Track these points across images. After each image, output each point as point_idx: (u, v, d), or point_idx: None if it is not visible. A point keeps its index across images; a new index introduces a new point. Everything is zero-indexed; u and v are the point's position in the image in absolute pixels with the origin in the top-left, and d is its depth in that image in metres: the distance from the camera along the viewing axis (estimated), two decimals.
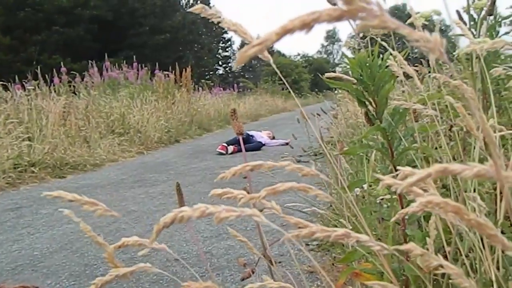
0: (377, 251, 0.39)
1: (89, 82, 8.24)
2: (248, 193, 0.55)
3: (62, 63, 8.24)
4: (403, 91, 1.91)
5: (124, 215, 2.80)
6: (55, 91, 6.71)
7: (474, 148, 0.93)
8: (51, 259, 2.11)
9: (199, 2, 37.34)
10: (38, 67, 6.81)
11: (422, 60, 2.31)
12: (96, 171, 4.79)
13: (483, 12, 1.27)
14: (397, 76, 0.87)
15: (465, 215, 0.30)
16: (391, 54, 0.92)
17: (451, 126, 1.11)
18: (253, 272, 1.26)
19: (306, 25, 0.26)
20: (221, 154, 5.53)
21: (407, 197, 0.95)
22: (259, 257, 0.93)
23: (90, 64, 8.60)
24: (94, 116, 6.26)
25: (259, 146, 5.94)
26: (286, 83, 0.81)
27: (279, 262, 1.87)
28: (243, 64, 0.32)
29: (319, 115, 4.23)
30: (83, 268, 1.97)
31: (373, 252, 0.91)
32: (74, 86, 7.79)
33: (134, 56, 9.60)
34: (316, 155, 4.59)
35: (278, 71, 0.58)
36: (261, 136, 6.25)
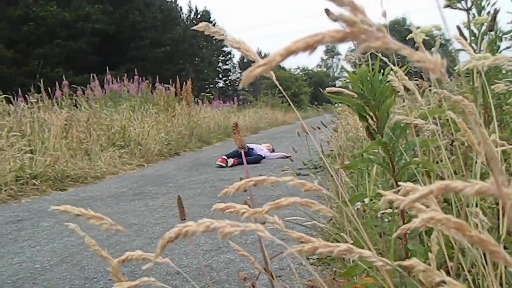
0: (380, 266, 0.39)
1: (91, 95, 8.27)
2: (249, 207, 0.56)
3: (64, 76, 8.29)
4: (404, 106, 1.92)
5: (124, 228, 2.79)
6: (57, 104, 6.74)
7: (476, 163, 0.94)
8: (51, 272, 2.10)
9: (199, 16, 37.55)
10: (41, 80, 6.85)
11: (422, 74, 2.32)
12: (96, 184, 4.79)
13: (484, 28, 1.28)
14: (398, 91, 0.88)
15: (467, 231, 0.31)
16: (391, 69, 0.93)
17: (452, 141, 1.12)
18: (253, 286, 1.26)
19: (310, 47, 0.27)
20: (221, 167, 5.53)
21: (409, 212, 0.95)
22: (260, 271, 0.93)
23: (91, 77, 8.64)
24: (95, 128, 6.28)
25: (259, 159, 5.94)
26: (286, 96, 0.81)
27: (279, 276, 1.86)
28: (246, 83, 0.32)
29: (319, 128, 4.25)
30: (83, 282, 1.96)
31: (375, 267, 0.91)
32: (76, 99, 7.82)
33: (135, 69, 9.66)
34: (316, 168, 4.59)
35: (280, 87, 0.59)
36: (261, 149, 6.25)
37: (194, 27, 0.52)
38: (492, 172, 0.30)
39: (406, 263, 0.38)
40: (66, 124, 5.75)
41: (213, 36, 0.54)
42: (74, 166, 4.99)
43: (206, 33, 0.52)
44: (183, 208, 1.01)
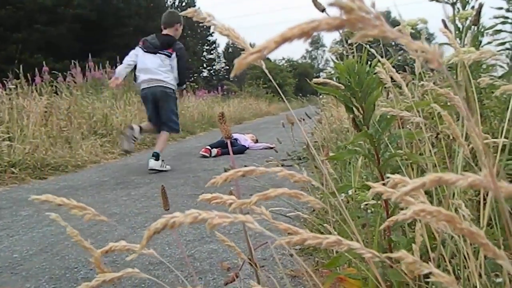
0: (368, 258, 0.39)
1: (72, 82, 8.10)
2: (236, 197, 0.55)
3: (44, 62, 8.09)
4: (389, 97, 1.93)
5: (107, 218, 2.76)
6: (36, 91, 6.59)
7: (458, 155, 0.95)
8: (30, 262, 2.06)
9: (184, 4, 37.22)
10: (20, 66, 6.68)
11: (406, 67, 2.34)
12: (77, 173, 4.72)
13: (468, 22, 1.29)
14: (385, 83, 0.88)
15: (457, 224, 0.31)
16: (379, 61, 0.93)
17: (437, 134, 1.13)
18: (237, 277, 1.26)
19: (305, 34, 0.26)
20: (204, 157, 5.51)
21: (393, 204, 0.96)
22: (244, 261, 0.93)
23: (73, 63, 8.46)
24: (76, 116, 6.18)
25: (243, 150, 5.93)
26: (276, 86, 0.81)
27: (262, 266, 1.87)
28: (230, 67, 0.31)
29: (303, 119, 4.26)
30: (63, 271, 1.93)
31: (358, 258, 0.91)
32: (56, 86, 7.65)
33: (118, 57, 9.50)
34: (300, 159, 4.60)
35: (270, 76, 0.58)
36: (245, 139, 6.24)
37: (183, 12, 0.51)
38: (484, 165, 0.30)
39: (394, 255, 0.38)
40: (46, 112, 5.64)
41: (198, 25, 0.53)
42: (54, 154, 4.91)
43: (194, 19, 0.51)
44: (167, 198, 1.00)
